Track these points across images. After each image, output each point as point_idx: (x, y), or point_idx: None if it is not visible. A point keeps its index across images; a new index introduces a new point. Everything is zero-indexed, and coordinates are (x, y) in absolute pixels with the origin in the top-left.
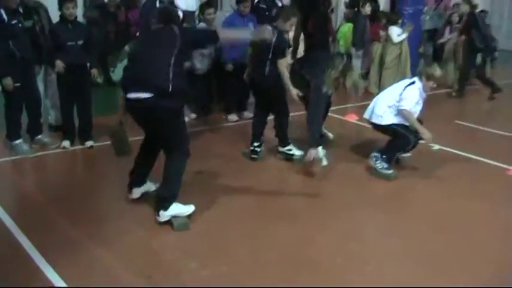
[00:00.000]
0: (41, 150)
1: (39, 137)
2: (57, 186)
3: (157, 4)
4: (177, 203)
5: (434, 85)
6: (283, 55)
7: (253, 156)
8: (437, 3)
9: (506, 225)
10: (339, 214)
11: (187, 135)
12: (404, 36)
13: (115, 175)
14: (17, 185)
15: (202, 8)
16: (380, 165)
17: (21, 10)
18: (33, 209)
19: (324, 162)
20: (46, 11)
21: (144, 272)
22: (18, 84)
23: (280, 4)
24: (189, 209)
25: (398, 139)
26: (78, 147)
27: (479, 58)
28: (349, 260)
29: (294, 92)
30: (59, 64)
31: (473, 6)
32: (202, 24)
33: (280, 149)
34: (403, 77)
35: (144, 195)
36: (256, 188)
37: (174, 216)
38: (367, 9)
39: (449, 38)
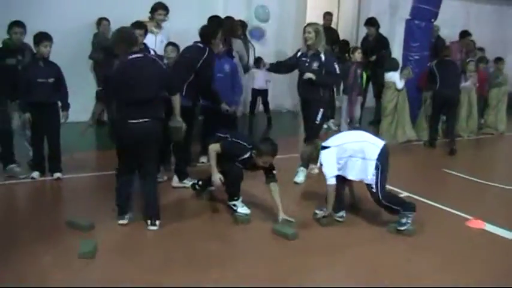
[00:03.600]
0: (11, 179)
1: (11, 166)
2: None
3: None
4: None
5: None
6: None
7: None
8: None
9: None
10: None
11: None
12: (403, 82)
13: (66, 207)
14: None
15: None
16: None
17: None
18: None
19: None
20: (31, 51)
21: None
22: None
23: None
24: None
25: None
26: (47, 178)
27: None
28: None
29: (217, 177)
30: (27, 116)
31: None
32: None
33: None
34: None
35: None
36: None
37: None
38: (357, 56)
39: (464, 86)
